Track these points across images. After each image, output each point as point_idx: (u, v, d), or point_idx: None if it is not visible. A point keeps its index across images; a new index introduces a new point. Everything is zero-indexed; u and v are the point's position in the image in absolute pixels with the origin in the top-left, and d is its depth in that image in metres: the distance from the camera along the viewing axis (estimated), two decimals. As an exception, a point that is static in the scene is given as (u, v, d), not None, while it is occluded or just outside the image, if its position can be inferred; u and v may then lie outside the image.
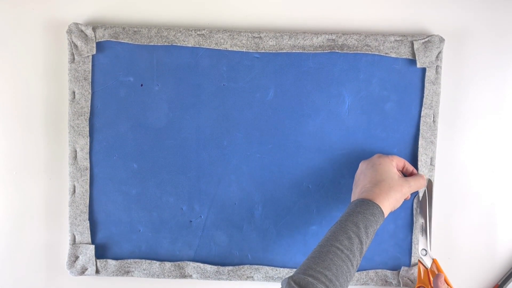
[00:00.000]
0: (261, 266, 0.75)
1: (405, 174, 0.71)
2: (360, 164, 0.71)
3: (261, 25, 0.74)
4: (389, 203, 0.63)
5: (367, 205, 0.62)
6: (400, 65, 0.73)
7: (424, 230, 0.72)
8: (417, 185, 0.68)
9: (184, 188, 0.75)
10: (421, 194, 0.73)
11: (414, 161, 0.73)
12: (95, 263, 0.75)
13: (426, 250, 0.72)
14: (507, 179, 0.75)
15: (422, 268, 0.72)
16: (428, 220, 0.72)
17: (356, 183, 0.69)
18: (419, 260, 0.72)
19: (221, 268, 0.75)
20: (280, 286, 0.56)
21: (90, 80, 0.73)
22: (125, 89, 0.74)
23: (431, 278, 0.71)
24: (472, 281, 0.76)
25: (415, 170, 0.72)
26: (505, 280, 0.75)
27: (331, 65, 0.73)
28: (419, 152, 0.73)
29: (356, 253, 0.58)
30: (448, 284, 0.68)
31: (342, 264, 0.57)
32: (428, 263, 0.71)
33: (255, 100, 0.74)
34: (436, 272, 0.70)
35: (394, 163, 0.69)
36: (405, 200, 0.69)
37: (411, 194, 0.73)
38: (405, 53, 0.72)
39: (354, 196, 0.67)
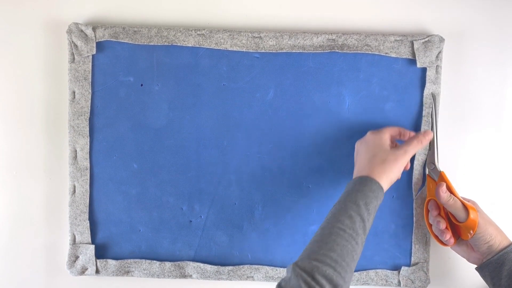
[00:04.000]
0: (261, 266, 0.75)
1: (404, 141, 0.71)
2: (355, 145, 0.71)
3: (261, 25, 0.74)
4: (386, 176, 0.63)
5: (365, 181, 0.62)
6: (400, 65, 0.73)
7: (431, 144, 0.72)
8: (413, 148, 0.66)
9: (184, 188, 0.75)
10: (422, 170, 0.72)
11: (414, 161, 0.73)
12: (95, 263, 0.75)
13: (434, 164, 0.71)
14: (507, 179, 0.75)
15: (431, 181, 0.71)
16: (435, 135, 0.71)
17: (354, 164, 0.69)
18: (427, 175, 0.72)
19: (221, 268, 0.75)
20: (286, 272, 0.56)
21: (90, 80, 0.73)
22: (125, 89, 0.74)
23: None
24: (472, 281, 0.76)
25: (412, 133, 0.70)
26: (505, 280, 0.75)
27: (331, 65, 0.73)
28: (417, 152, 0.73)
29: (359, 231, 0.58)
30: (453, 193, 0.67)
31: (346, 243, 0.56)
32: (436, 176, 0.71)
33: (255, 100, 0.74)
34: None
35: (387, 135, 0.68)
36: (404, 170, 0.68)
37: (411, 177, 0.73)
38: (405, 53, 0.72)
39: (354, 176, 0.66)
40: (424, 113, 0.73)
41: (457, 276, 0.76)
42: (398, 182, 0.73)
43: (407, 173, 0.74)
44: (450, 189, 0.68)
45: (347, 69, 0.73)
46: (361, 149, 0.68)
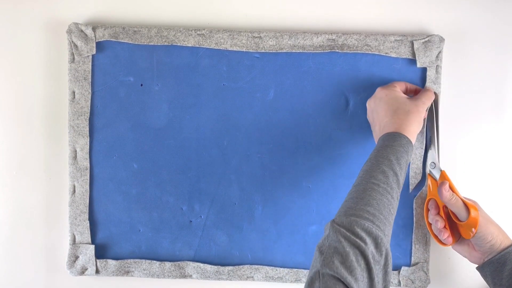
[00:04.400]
0: (261, 266, 0.75)
1: (412, 94, 0.71)
2: (367, 105, 0.70)
3: (261, 25, 0.74)
4: (413, 128, 0.63)
5: (393, 137, 0.61)
6: (400, 65, 0.73)
7: (432, 144, 0.71)
8: (428, 98, 0.67)
9: (184, 188, 0.75)
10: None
11: (413, 161, 0.73)
12: (95, 263, 0.75)
13: (435, 163, 0.71)
14: (507, 179, 0.75)
15: (431, 181, 0.71)
16: (436, 133, 0.71)
17: (372, 124, 0.69)
18: (428, 174, 0.71)
19: (221, 268, 0.75)
20: (324, 232, 0.55)
21: (90, 80, 0.73)
22: (125, 89, 0.74)
23: None
24: (472, 281, 0.76)
25: (418, 87, 0.71)
26: (505, 280, 0.75)
27: (331, 65, 0.73)
28: (414, 147, 0.73)
29: (394, 185, 0.57)
30: (454, 192, 0.67)
31: (382, 197, 0.56)
32: (437, 175, 0.70)
33: (255, 100, 0.74)
34: None
35: (398, 89, 0.68)
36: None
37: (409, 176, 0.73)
38: (405, 53, 0.72)
39: (376, 136, 0.66)
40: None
41: (457, 276, 0.76)
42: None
43: (406, 173, 0.74)
44: (451, 188, 0.68)
45: (347, 69, 0.73)
46: (379, 107, 0.67)
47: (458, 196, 0.67)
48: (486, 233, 0.65)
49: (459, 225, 0.68)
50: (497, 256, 0.65)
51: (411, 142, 0.62)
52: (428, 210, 0.71)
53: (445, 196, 0.66)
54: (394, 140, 0.61)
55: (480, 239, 0.65)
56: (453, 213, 0.68)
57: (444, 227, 0.69)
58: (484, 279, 0.68)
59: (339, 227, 0.53)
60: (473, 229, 0.65)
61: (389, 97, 0.66)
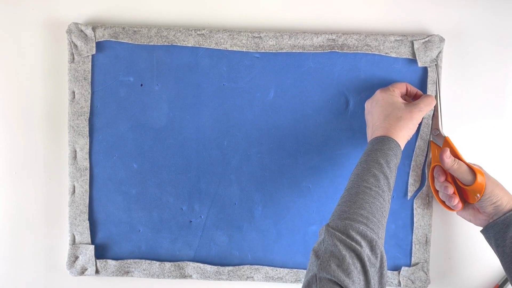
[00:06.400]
0: (261, 266, 0.75)
1: (412, 98, 0.71)
2: (365, 105, 0.71)
3: (261, 25, 0.74)
4: (403, 134, 0.64)
5: (383, 141, 0.62)
6: (400, 65, 0.73)
7: (435, 111, 0.72)
8: (427, 105, 0.67)
9: (184, 188, 0.75)
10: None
11: (411, 162, 0.73)
12: (95, 263, 0.75)
13: (438, 130, 0.71)
14: (507, 179, 0.75)
15: (435, 148, 0.71)
16: (439, 100, 0.71)
17: (367, 125, 0.69)
18: (431, 141, 0.72)
19: (221, 268, 0.75)
20: (319, 236, 0.56)
21: (90, 80, 0.73)
22: (125, 89, 0.74)
23: None
24: (472, 281, 0.76)
25: (419, 91, 0.72)
26: (505, 280, 0.75)
27: (331, 65, 0.73)
28: (414, 153, 0.73)
29: (385, 188, 0.58)
30: (459, 157, 0.67)
31: (374, 200, 0.57)
32: (440, 141, 0.70)
33: (255, 100, 0.74)
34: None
35: (397, 93, 0.68)
36: (420, 123, 0.69)
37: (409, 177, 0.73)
38: (405, 53, 0.72)
39: (368, 137, 0.67)
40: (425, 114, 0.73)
41: (457, 276, 0.76)
42: (397, 182, 0.73)
43: (405, 173, 0.74)
44: (455, 154, 0.68)
45: (347, 69, 0.73)
46: (374, 109, 0.68)
47: (463, 161, 0.67)
48: (492, 196, 0.65)
49: (464, 189, 0.68)
50: (502, 218, 0.65)
51: (399, 146, 0.63)
52: (433, 177, 0.71)
53: (446, 163, 0.66)
54: (383, 144, 0.62)
55: (485, 202, 0.65)
56: (457, 178, 0.68)
57: (454, 192, 0.69)
58: (488, 242, 0.68)
59: (334, 231, 0.53)
60: (478, 194, 0.65)
61: (385, 101, 0.67)
